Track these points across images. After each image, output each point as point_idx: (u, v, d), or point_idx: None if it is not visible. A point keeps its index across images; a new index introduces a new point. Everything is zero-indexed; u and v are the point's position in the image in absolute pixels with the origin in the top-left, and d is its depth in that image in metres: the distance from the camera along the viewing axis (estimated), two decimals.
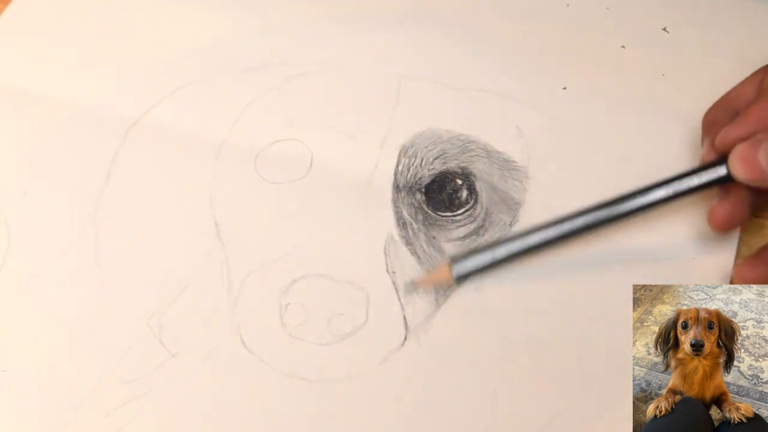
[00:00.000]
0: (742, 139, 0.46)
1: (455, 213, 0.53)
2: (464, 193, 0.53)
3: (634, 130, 0.55)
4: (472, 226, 0.52)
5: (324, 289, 0.51)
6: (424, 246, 0.52)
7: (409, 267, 0.51)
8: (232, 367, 0.49)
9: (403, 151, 0.54)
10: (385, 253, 0.52)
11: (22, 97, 0.58)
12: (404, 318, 0.50)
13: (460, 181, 0.53)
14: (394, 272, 0.51)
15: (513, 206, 0.53)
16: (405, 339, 0.50)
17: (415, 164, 0.54)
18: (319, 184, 0.54)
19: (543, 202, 0.53)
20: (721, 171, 0.47)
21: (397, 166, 0.54)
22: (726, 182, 0.47)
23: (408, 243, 0.52)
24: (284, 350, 0.49)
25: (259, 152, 0.55)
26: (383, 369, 0.49)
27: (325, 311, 0.50)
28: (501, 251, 0.49)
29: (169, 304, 0.51)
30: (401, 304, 0.50)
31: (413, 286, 0.51)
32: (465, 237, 0.52)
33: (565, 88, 0.56)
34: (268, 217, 0.53)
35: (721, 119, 0.49)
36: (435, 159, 0.54)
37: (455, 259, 0.50)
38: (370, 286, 0.51)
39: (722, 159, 0.47)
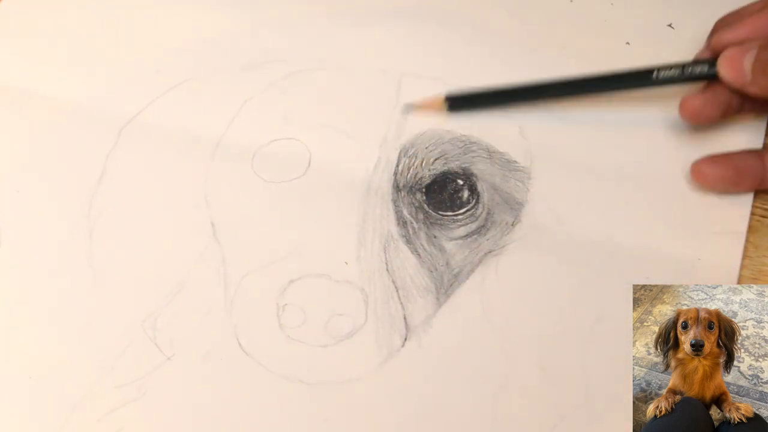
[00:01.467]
0: (734, 44, 0.50)
1: (456, 212, 0.53)
2: (465, 193, 0.53)
3: (639, 129, 0.55)
4: (473, 226, 0.52)
5: (322, 289, 0.51)
6: (425, 245, 0.52)
7: (409, 266, 0.51)
8: (228, 370, 0.49)
9: (404, 151, 0.55)
10: (384, 252, 0.52)
11: (13, 95, 0.58)
12: (404, 318, 0.50)
13: (461, 182, 0.53)
14: (393, 272, 0.51)
15: (515, 207, 0.53)
16: (405, 339, 0.50)
17: (415, 164, 0.54)
18: (317, 183, 0.54)
19: (546, 203, 0.53)
20: (709, 69, 0.51)
21: (397, 166, 0.54)
22: (711, 80, 0.51)
23: (408, 242, 0.52)
24: (282, 352, 0.49)
25: (257, 151, 0.55)
26: (383, 371, 0.49)
27: (324, 312, 0.50)
28: (498, 94, 0.54)
29: (165, 305, 0.51)
30: (401, 304, 0.50)
31: (409, 108, 0.54)
32: (466, 236, 0.52)
33: None
34: (265, 217, 0.53)
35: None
36: (436, 160, 0.54)
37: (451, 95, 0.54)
38: (370, 286, 0.51)
39: (714, 59, 0.51)
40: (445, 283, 0.51)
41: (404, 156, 0.54)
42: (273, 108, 0.56)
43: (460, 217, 0.53)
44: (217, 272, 0.52)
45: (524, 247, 0.52)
